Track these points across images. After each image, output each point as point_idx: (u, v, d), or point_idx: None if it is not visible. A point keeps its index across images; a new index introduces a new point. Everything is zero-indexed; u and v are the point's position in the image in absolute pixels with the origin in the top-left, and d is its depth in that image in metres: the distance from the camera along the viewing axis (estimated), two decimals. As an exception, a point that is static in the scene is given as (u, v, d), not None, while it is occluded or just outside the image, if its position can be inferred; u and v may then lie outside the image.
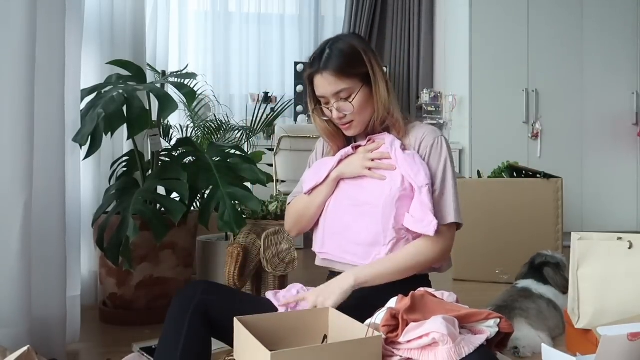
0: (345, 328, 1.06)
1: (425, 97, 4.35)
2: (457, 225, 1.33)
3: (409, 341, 0.99)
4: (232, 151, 2.46)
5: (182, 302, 1.15)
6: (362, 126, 1.38)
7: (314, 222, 1.42)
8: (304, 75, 1.40)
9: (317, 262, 1.45)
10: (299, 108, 4.39)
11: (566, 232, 2.57)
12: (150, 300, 2.23)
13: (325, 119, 1.40)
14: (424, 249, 1.27)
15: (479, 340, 0.98)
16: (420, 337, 0.97)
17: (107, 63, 2.34)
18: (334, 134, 1.43)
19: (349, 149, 1.39)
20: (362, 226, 1.31)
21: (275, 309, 1.20)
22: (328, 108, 1.36)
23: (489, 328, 1.02)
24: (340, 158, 1.38)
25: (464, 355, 0.94)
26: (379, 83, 1.34)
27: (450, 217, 1.29)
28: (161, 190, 2.35)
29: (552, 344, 1.84)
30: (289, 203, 1.50)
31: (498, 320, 1.03)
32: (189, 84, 2.46)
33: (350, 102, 1.32)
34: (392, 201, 1.27)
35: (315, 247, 1.43)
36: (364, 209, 1.31)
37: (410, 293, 1.08)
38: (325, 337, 1.09)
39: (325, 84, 1.32)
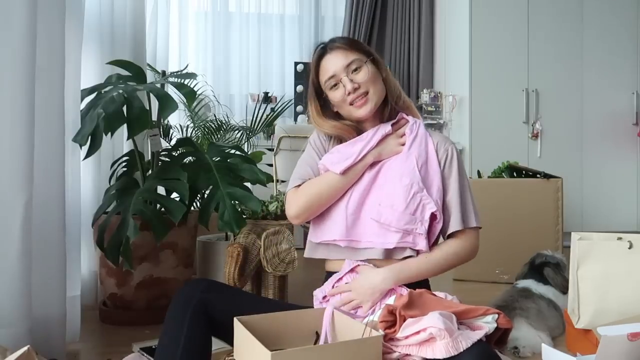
0: (345, 328, 1.06)
1: (425, 97, 4.35)
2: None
3: (406, 337, 0.99)
4: (232, 151, 2.46)
5: (182, 301, 1.15)
6: (376, 100, 1.37)
7: (327, 206, 1.37)
8: (312, 64, 1.41)
9: (324, 255, 1.40)
10: (299, 108, 4.39)
11: (566, 232, 2.57)
12: (150, 300, 2.23)
13: (335, 108, 1.40)
14: (459, 248, 1.35)
15: (477, 335, 0.98)
16: (418, 333, 0.97)
17: (107, 63, 2.34)
18: (345, 127, 1.41)
19: (388, 127, 1.39)
20: (392, 200, 1.31)
21: (275, 309, 1.19)
22: (340, 84, 1.35)
23: (487, 324, 1.03)
24: (381, 137, 1.37)
25: (462, 350, 0.94)
26: (384, 67, 1.40)
27: (473, 222, 1.37)
28: (161, 190, 2.35)
29: (552, 344, 1.84)
30: (298, 186, 1.42)
31: (496, 316, 1.03)
32: (189, 84, 2.47)
33: (366, 65, 1.35)
34: (416, 172, 1.32)
35: (332, 235, 1.35)
36: (389, 187, 1.33)
37: (409, 290, 1.08)
38: (317, 334, 1.08)
39: (336, 58, 1.35)
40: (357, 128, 1.43)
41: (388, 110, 1.42)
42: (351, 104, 1.36)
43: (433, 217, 1.31)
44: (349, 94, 1.34)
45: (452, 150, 1.40)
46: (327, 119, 1.42)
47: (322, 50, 1.39)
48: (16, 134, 1.50)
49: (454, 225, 1.34)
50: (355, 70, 1.35)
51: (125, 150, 2.51)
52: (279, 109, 3.96)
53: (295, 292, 2.32)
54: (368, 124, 1.42)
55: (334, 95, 1.37)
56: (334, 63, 1.36)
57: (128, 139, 2.34)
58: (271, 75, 4.64)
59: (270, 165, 3.46)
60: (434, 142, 1.40)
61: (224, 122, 3.24)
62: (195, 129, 3.32)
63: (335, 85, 1.36)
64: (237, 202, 2.15)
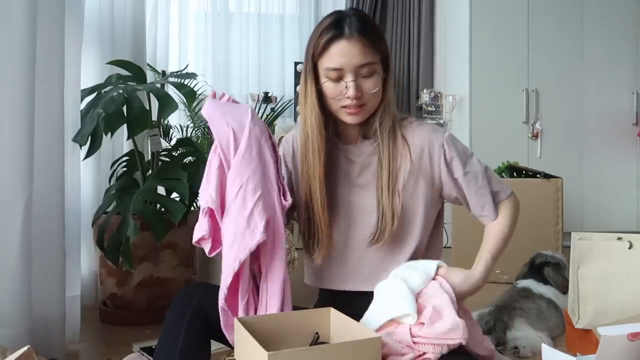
0: (345, 329, 1.06)
1: (425, 97, 4.35)
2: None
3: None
4: (232, 151, 2.45)
5: (181, 304, 1.15)
6: (369, 113, 1.21)
7: None
8: (314, 44, 1.18)
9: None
10: (299, 108, 4.39)
11: (566, 232, 2.57)
12: (150, 300, 2.23)
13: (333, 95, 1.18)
14: (511, 216, 1.28)
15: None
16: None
17: (107, 63, 2.34)
18: (324, 139, 1.22)
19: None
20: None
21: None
22: (343, 82, 1.16)
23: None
24: None
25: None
26: (392, 72, 1.23)
27: (503, 197, 1.28)
28: (161, 190, 2.35)
29: (552, 344, 1.84)
30: None
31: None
32: (189, 84, 2.47)
33: (380, 76, 1.17)
34: None
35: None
36: None
37: None
38: (317, 335, 1.08)
39: (351, 52, 1.14)
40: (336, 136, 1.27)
41: (373, 122, 1.22)
42: (343, 106, 1.19)
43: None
44: (348, 98, 1.17)
45: (447, 145, 1.23)
46: (324, 114, 1.22)
47: (339, 32, 1.15)
48: (16, 134, 1.50)
49: (490, 216, 1.27)
50: (366, 76, 1.16)
51: (125, 150, 2.51)
52: (279, 109, 3.95)
53: (296, 292, 2.32)
54: (350, 128, 1.25)
55: (329, 88, 1.18)
56: (346, 56, 1.14)
57: (128, 139, 2.34)
58: (271, 75, 4.63)
59: (270, 165, 3.45)
60: (423, 143, 1.23)
61: (224, 122, 3.23)
62: (195, 129, 3.32)
63: (337, 79, 1.17)
64: (237, 202, 2.14)
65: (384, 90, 1.21)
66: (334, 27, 1.16)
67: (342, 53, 1.15)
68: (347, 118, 1.20)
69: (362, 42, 1.14)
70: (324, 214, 1.21)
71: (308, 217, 1.24)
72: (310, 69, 1.20)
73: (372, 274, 1.25)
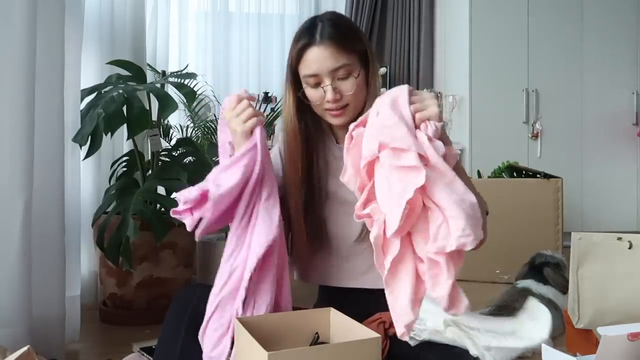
0: (345, 329, 1.06)
1: (425, 97, 4.35)
2: None
3: None
4: (232, 151, 2.45)
5: (180, 304, 1.15)
6: (353, 114, 1.21)
7: None
8: (291, 52, 1.20)
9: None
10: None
11: (566, 232, 2.57)
12: (150, 300, 2.23)
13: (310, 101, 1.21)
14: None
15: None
16: None
17: (107, 63, 2.34)
18: (302, 144, 1.26)
19: None
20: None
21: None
22: (321, 88, 1.18)
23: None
24: None
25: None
26: (375, 66, 1.23)
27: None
28: (161, 190, 2.35)
29: (552, 344, 1.83)
30: None
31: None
32: (189, 84, 2.47)
33: (355, 78, 1.18)
34: None
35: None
36: None
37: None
38: (317, 335, 1.08)
39: (323, 57, 1.16)
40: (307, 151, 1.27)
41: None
42: (326, 109, 1.22)
43: None
44: (328, 102, 1.19)
45: None
46: (300, 120, 1.25)
47: (311, 39, 1.17)
48: (16, 134, 1.50)
49: None
50: (343, 78, 1.18)
51: (125, 150, 2.51)
52: (279, 109, 3.95)
53: (296, 292, 2.32)
54: (339, 128, 1.28)
55: (311, 94, 1.21)
56: (319, 61, 1.16)
57: (128, 139, 2.34)
58: (271, 75, 4.63)
59: (270, 165, 3.44)
60: None
61: (224, 122, 3.23)
62: (195, 129, 3.32)
63: (315, 85, 1.19)
64: (237, 202, 2.14)
65: (368, 87, 1.22)
66: (306, 34, 1.18)
67: (315, 59, 1.17)
68: (333, 120, 1.23)
69: (333, 46, 1.16)
70: (299, 219, 1.25)
71: (288, 215, 1.26)
72: (289, 76, 1.24)
73: (361, 271, 1.27)
